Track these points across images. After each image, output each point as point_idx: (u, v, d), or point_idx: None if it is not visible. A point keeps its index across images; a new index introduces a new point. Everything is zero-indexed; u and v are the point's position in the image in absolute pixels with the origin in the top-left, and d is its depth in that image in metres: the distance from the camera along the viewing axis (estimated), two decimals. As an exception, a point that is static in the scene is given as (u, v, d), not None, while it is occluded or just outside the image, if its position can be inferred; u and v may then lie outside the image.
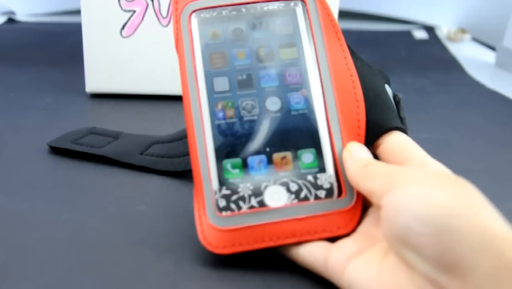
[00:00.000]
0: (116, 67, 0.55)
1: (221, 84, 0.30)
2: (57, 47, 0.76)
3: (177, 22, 0.32)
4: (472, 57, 0.82)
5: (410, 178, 0.24)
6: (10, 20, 0.93)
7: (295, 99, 0.30)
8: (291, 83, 0.31)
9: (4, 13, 0.95)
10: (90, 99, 0.56)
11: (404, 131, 0.32)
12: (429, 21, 0.99)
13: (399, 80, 0.66)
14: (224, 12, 0.32)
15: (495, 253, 0.20)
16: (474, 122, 0.53)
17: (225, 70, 0.31)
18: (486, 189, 0.40)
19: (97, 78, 0.55)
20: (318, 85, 0.30)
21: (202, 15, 0.32)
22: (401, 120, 0.34)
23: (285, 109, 0.30)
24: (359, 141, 0.30)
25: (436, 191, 0.23)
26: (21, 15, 0.95)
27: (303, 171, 0.29)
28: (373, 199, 0.26)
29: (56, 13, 0.97)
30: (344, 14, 0.91)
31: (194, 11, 0.32)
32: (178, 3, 0.32)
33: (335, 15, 0.56)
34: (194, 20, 0.31)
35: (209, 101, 0.30)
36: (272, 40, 0.31)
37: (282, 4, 0.32)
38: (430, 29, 0.96)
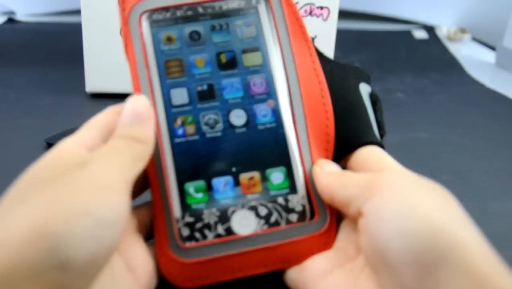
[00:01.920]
0: (116, 67, 0.55)
1: (180, 96, 0.27)
2: (57, 47, 0.76)
3: (125, 24, 0.28)
4: (472, 57, 0.82)
5: (390, 184, 0.22)
6: (10, 20, 0.93)
7: (262, 112, 0.27)
8: (257, 93, 0.28)
9: (4, 13, 0.95)
10: (90, 99, 0.56)
11: (377, 143, 0.29)
12: (429, 21, 0.99)
13: (399, 80, 0.66)
14: (178, 13, 0.28)
15: (477, 282, 0.19)
16: (474, 122, 0.53)
17: (183, 80, 0.27)
18: (486, 189, 0.40)
19: (97, 78, 0.55)
20: (286, 95, 0.28)
21: (154, 16, 0.28)
22: (378, 124, 0.31)
23: (251, 123, 0.27)
24: (327, 156, 0.28)
25: (420, 202, 0.21)
26: (21, 15, 0.95)
27: (272, 193, 0.26)
28: (350, 208, 0.24)
29: (56, 13, 0.97)
30: (344, 14, 0.91)
31: (145, 12, 0.28)
32: (125, 3, 0.28)
33: (335, 15, 0.56)
34: (145, 22, 0.28)
35: (167, 117, 0.27)
36: (234, 44, 0.28)
37: (243, 2, 0.29)
38: (430, 29, 0.96)
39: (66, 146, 0.23)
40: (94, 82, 0.55)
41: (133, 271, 0.23)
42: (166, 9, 0.28)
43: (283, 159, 0.27)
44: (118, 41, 0.54)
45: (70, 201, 0.19)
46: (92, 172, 0.21)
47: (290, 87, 0.28)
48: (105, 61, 0.55)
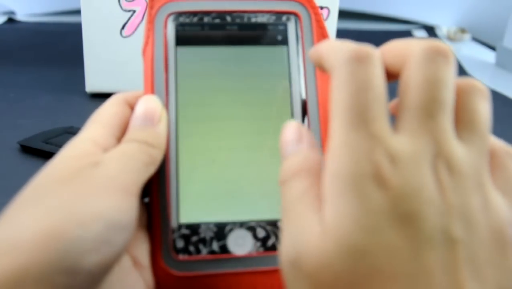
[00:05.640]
0: (116, 67, 0.55)
1: None
2: (57, 47, 0.76)
3: (150, 22, 0.27)
4: (472, 57, 0.82)
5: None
6: (10, 20, 0.93)
7: None
8: None
9: (4, 13, 0.95)
10: (90, 99, 0.56)
11: None
12: (429, 21, 0.99)
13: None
14: (206, 19, 0.27)
15: None
16: (474, 122, 0.53)
17: None
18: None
19: (97, 78, 0.55)
20: (304, 122, 0.27)
21: (180, 19, 0.27)
22: None
23: None
24: None
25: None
26: (21, 15, 0.95)
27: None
28: None
29: (56, 13, 0.97)
30: (344, 14, 0.91)
31: (172, 13, 0.27)
32: (154, 1, 0.27)
33: (335, 15, 0.56)
34: (170, 24, 0.27)
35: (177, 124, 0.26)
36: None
37: (273, 17, 0.28)
38: (430, 29, 0.97)
39: (80, 146, 0.22)
40: (94, 82, 0.55)
41: (139, 268, 0.23)
42: (194, 13, 0.27)
43: None
44: (118, 41, 0.54)
45: (83, 204, 0.19)
46: (106, 174, 0.20)
47: (309, 119, 0.27)
48: (105, 61, 0.55)
